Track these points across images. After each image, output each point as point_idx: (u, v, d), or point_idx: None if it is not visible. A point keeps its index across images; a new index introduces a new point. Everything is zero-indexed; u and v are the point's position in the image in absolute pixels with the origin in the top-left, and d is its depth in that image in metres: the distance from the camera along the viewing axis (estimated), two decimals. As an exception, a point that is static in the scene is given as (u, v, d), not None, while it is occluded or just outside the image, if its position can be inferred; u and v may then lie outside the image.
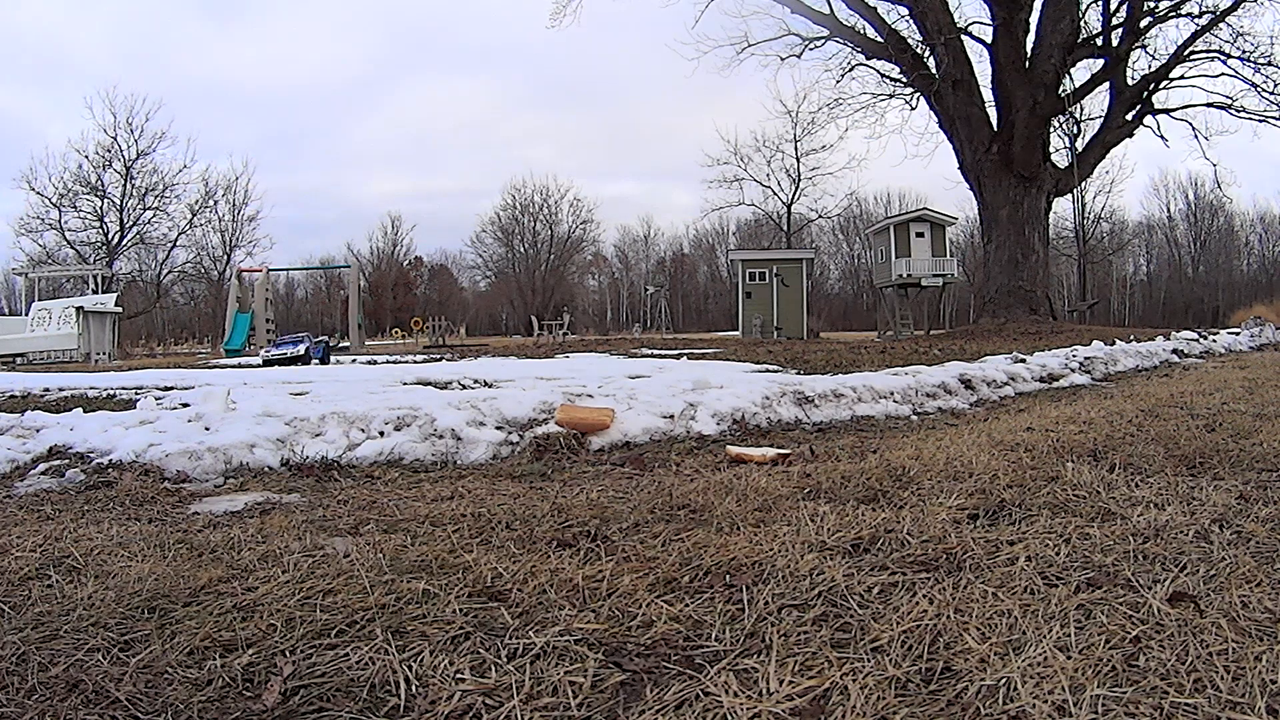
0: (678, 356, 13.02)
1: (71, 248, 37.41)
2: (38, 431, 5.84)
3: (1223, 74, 25.35)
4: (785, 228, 44.77)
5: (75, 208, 37.15)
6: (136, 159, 37.39)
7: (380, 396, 8.10)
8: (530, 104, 74.84)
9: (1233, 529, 2.72)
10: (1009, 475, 3.65)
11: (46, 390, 8.98)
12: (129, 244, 38.46)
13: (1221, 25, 24.45)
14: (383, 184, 72.40)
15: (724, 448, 5.87)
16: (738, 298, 27.47)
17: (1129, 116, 26.05)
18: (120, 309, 26.02)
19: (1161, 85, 25.82)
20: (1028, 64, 23.98)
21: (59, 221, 37.00)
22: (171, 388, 9.11)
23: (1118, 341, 13.75)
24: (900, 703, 1.67)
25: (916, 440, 5.20)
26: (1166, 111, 26.52)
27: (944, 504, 3.19)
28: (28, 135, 52.30)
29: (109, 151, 37.07)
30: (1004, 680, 1.70)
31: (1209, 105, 26.10)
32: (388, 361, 15.92)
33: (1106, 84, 25.95)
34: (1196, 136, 26.94)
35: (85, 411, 6.85)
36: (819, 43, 27.04)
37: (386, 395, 8.17)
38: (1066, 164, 26.43)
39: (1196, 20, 24.61)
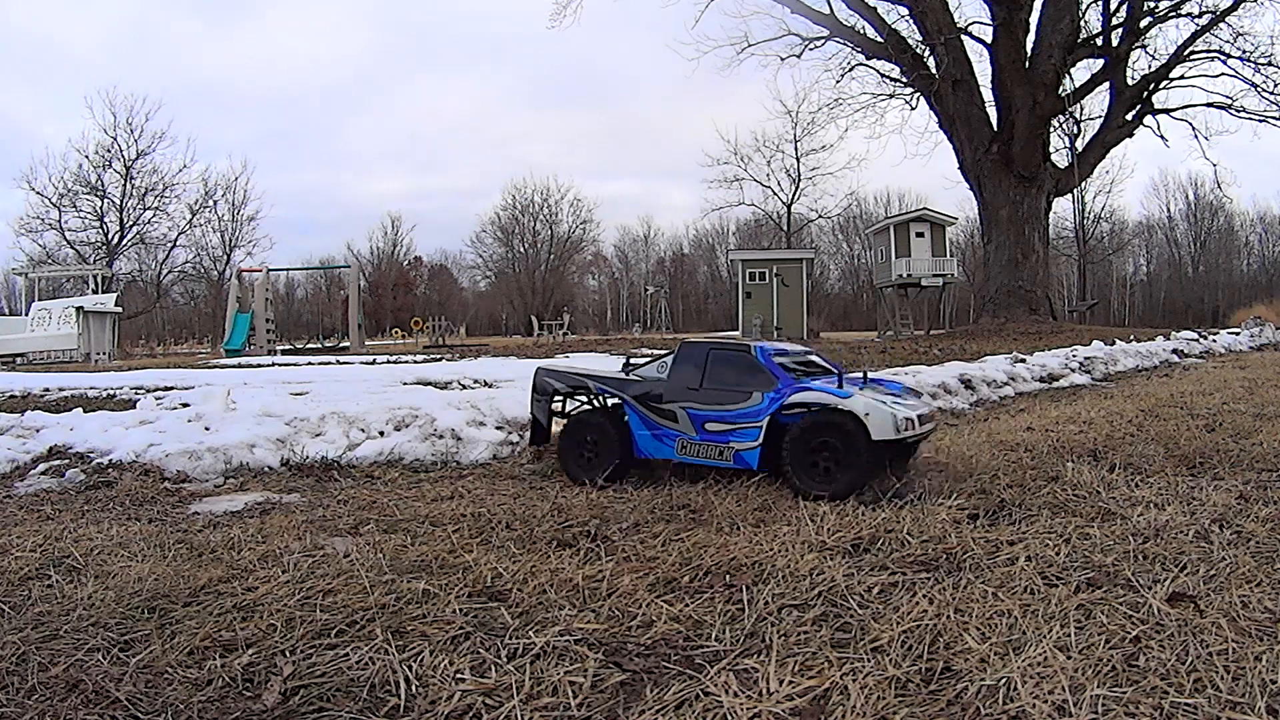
0: (678, 356, 12.99)
1: (71, 248, 37.41)
2: (38, 431, 5.84)
3: (1223, 74, 25.35)
4: (785, 228, 44.80)
5: (75, 208, 37.16)
6: (136, 159, 37.39)
7: (380, 396, 8.08)
8: (530, 103, 74.92)
9: (1233, 529, 2.72)
10: (1009, 475, 3.65)
11: (46, 390, 8.99)
12: (129, 244, 38.47)
13: (1221, 25, 24.45)
14: (382, 183, 72.51)
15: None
16: (738, 298, 27.50)
17: (1129, 116, 26.04)
18: (120, 309, 26.03)
19: (1161, 85, 25.82)
20: (1028, 64, 23.98)
21: (59, 221, 37.02)
22: (171, 388, 9.11)
23: (1118, 341, 13.75)
24: (900, 703, 1.67)
25: (916, 440, 5.19)
26: (1166, 111, 26.53)
27: (944, 504, 3.19)
28: (23, 134, 52.12)
29: (109, 151, 37.07)
30: (1004, 680, 1.70)
31: (1209, 105, 26.11)
32: (388, 361, 15.95)
33: (1106, 84, 25.94)
34: (1196, 136, 26.95)
35: (85, 411, 6.85)
36: (819, 43, 27.06)
37: (386, 395, 8.14)
38: (1066, 164, 26.43)
39: (1196, 20, 24.61)
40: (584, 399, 5.22)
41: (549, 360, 5.36)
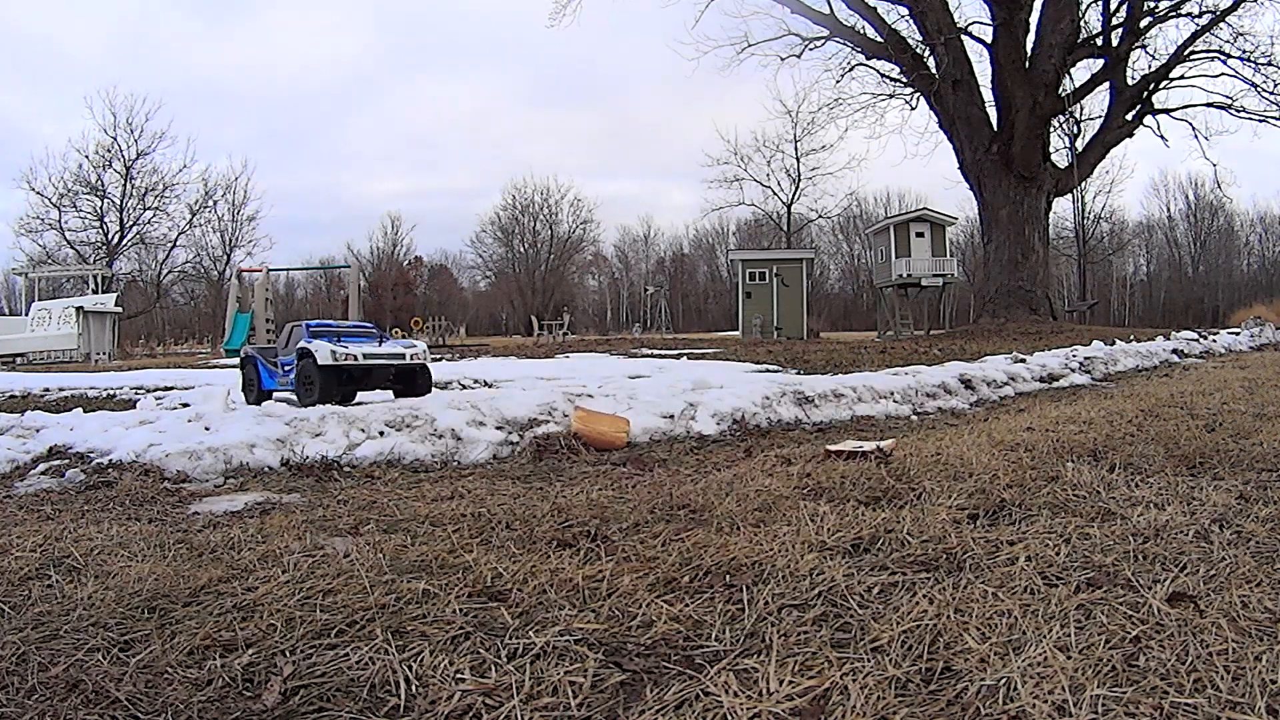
0: (678, 356, 13.02)
1: (71, 248, 37.44)
2: (38, 431, 5.84)
3: (1223, 74, 25.39)
4: (785, 228, 44.80)
5: (75, 208, 37.22)
6: (136, 159, 37.46)
7: (379, 394, 8.10)
8: (530, 103, 75.00)
9: (1233, 529, 2.72)
10: (1009, 475, 3.65)
11: (46, 390, 8.98)
12: (129, 244, 38.50)
13: (1221, 25, 24.48)
14: (382, 183, 72.70)
15: (723, 447, 5.86)
16: (738, 298, 27.49)
17: (1129, 116, 26.06)
18: (120, 309, 26.03)
19: (1161, 85, 25.85)
20: (1028, 64, 24.00)
21: (59, 221, 37.07)
22: (171, 388, 9.11)
23: (1118, 341, 13.75)
24: (900, 703, 1.67)
25: (917, 440, 5.20)
26: (1166, 111, 26.55)
27: (944, 504, 3.19)
28: (23, 134, 52.11)
29: (109, 151, 37.14)
30: (1004, 680, 1.70)
31: (1209, 105, 26.14)
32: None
33: (1106, 84, 25.97)
34: (1196, 136, 26.99)
35: (85, 411, 6.85)
36: (819, 43, 27.08)
37: (386, 395, 8.16)
38: (1066, 164, 26.45)
39: (1196, 20, 24.64)
40: (251, 358, 8.60)
41: (260, 345, 9.97)
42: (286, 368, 7.92)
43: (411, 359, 7.81)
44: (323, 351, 7.35)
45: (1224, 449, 4.14)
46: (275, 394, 8.29)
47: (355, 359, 7.41)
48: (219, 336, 27.83)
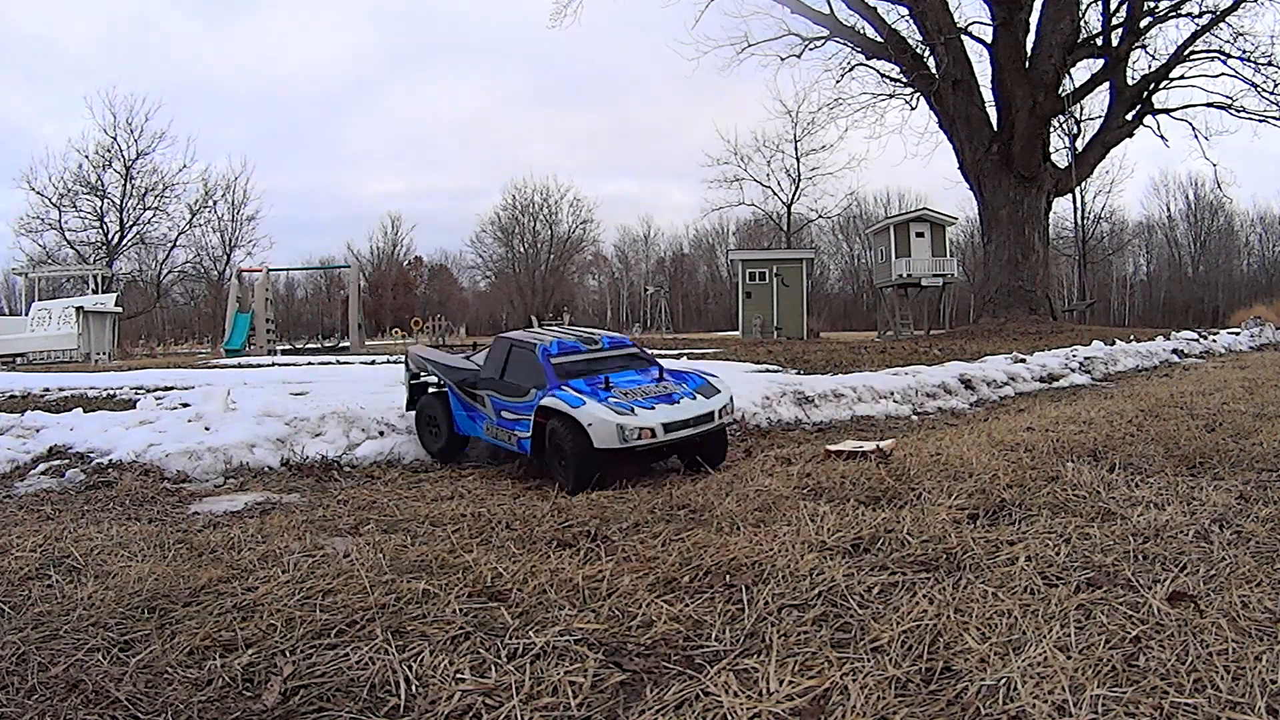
0: (678, 356, 13.02)
1: (71, 248, 37.40)
2: (38, 431, 5.84)
3: (1223, 74, 25.37)
4: (785, 228, 44.79)
5: (75, 208, 37.18)
6: (136, 159, 37.42)
7: (381, 396, 8.08)
8: (530, 103, 74.91)
9: (1233, 529, 2.72)
10: (1009, 475, 3.65)
11: (46, 390, 8.98)
12: (129, 244, 38.46)
13: (1221, 25, 24.47)
14: (382, 183, 72.58)
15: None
16: (738, 298, 27.49)
17: (1129, 116, 26.05)
18: (120, 309, 26.03)
19: (1161, 85, 25.83)
20: (1028, 64, 23.99)
21: (59, 221, 37.02)
22: (171, 388, 9.10)
23: (1118, 341, 13.75)
24: (900, 703, 1.67)
25: (916, 440, 5.20)
26: (1166, 111, 26.54)
27: (944, 504, 3.18)
28: (23, 134, 51.96)
29: (109, 151, 37.07)
30: (1004, 680, 1.70)
31: (1209, 105, 26.12)
32: (388, 361, 15.92)
33: (1106, 84, 25.95)
34: (1196, 136, 26.97)
35: (85, 411, 6.85)
36: (819, 43, 27.07)
37: (387, 395, 8.14)
38: (1066, 164, 26.45)
39: (1196, 20, 24.62)
40: (427, 377, 5.94)
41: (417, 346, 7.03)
42: (505, 414, 5.19)
43: (721, 416, 5.09)
44: (603, 427, 4.54)
45: (1224, 449, 4.14)
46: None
47: (653, 434, 4.63)
48: (219, 336, 27.82)
